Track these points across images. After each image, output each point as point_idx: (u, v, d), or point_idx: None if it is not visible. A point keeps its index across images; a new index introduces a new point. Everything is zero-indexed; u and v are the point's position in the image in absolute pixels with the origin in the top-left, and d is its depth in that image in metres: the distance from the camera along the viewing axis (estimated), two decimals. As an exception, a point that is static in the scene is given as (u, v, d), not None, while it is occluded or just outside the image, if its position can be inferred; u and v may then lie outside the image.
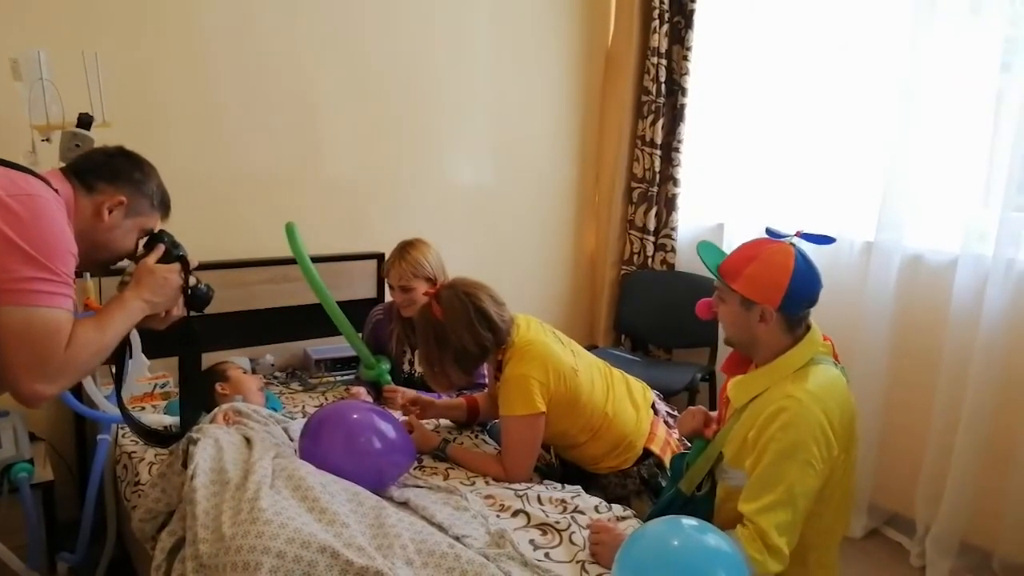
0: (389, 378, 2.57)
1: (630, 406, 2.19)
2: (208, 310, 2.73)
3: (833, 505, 1.65)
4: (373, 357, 2.62)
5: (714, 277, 1.72)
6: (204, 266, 2.69)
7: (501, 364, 2.11)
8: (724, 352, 2.33)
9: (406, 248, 2.50)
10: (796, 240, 1.66)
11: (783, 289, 1.60)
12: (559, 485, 1.99)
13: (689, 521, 1.48)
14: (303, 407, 2.56)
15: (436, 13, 3.15)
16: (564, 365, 2.06)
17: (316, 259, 2.94)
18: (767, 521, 1.54)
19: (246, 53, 2.75)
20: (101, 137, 2.09)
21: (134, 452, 2.20)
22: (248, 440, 1.88)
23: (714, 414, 1.90)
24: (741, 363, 1.78)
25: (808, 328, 1.69)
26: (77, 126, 2.07)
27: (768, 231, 1.70)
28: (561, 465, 2.30)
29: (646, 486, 2.14)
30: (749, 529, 1.56)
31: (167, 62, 2.61)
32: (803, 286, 1.63)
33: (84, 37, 2.39)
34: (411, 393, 2.44)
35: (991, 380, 2.46)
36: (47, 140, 2.12)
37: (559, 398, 2.05)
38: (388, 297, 2.82)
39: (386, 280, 2.57)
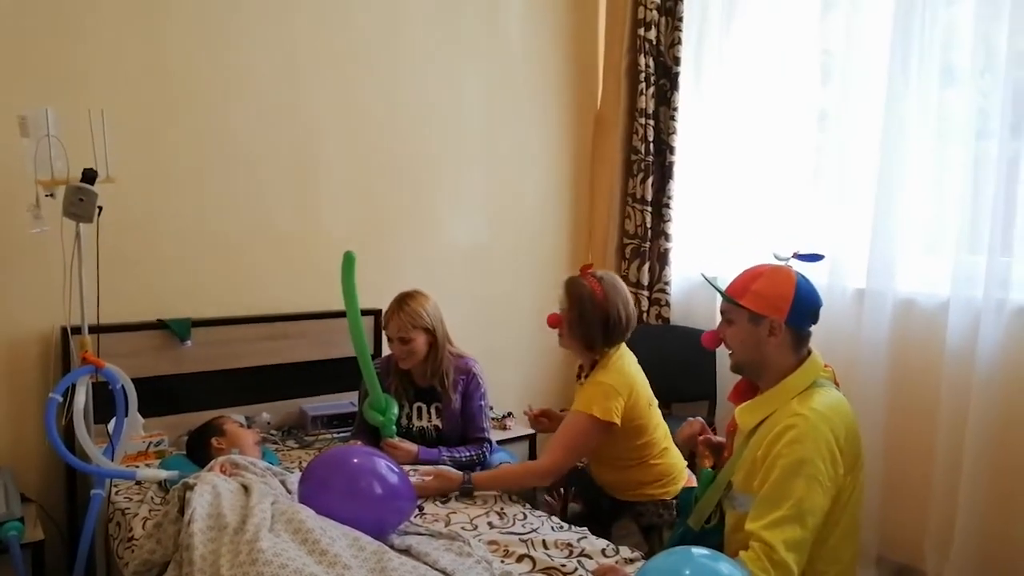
0: (394, 429, 2.51)
1: (678, 449, 2.38)
2: (204, 367, 2.76)
3: (841, 528, 1.64)
4: (383, 399, 2.52)
5: (723, 300, 1.79)
6: (201, 322, 2.72)
7: (595, 364, 2.29)
8: (724, 406, 2.36)
9: (405, 299, 2.52)
10: (793, 262, 1.76)
11: (789, 301, 1.68)
12: (565, 525, 1.95)
13: (700, 551, 1.45)
14: (299, 463, 2.52)
15: (432, 78, 3.26)
16: (643, 396, 2.27)
17: (314, 315, 2.97)
18: (774, 536, 1.53)
19: (248, 113, 2.83)
20: (105, 192, 2.13)
21: (127, 509, 2.15)
22: (246, 488, 1.85)
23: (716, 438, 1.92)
24: (747, 392, 1.80)
25: (810, 352, 1.73)
26: (82, 181, 2.11)
27: (774, 255, 1.79)
28: (586, 504, 2.36)
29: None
30: (754, 549, 1.54)
31: (170, 121, 2.68)
32: (807, 299, 1.71)
33: (90, 94, 2.46)
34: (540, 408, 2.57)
35: (990, 420, 2.46)
36: (51, 195, 2.15)
37: (628, 421, 2.21)
38: (384, 352, 2.82)
39: (384, 332, 2.56)
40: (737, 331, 1.75)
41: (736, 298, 1.73)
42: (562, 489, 2.58)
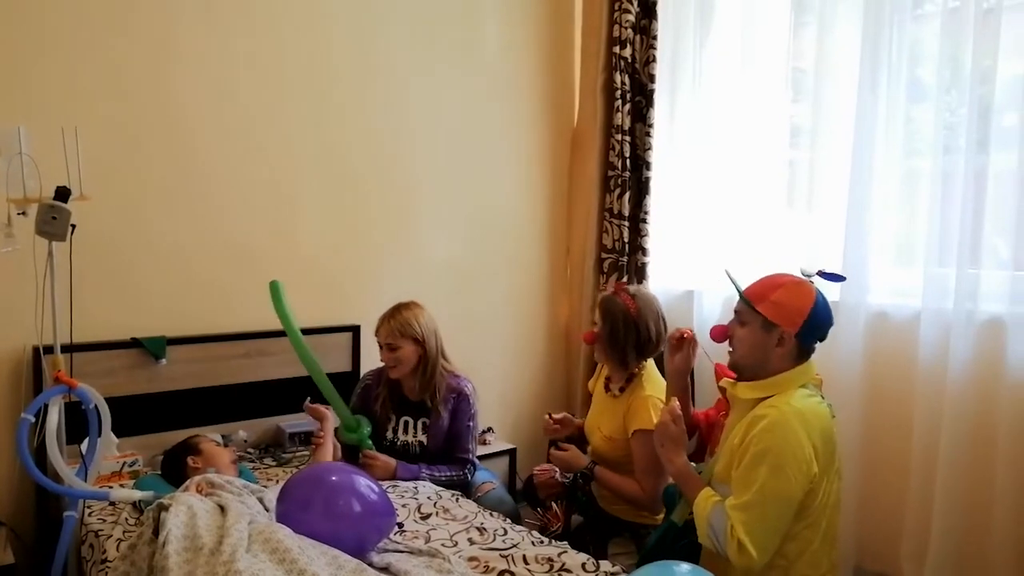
0: (371, 442, 2.51)
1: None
2: (180, 386, 2.73)
3: (821, 532, 1.69)
4: (353, 419, 2.55)
5: (740, 301, 1.85)
6: (176, 340, 2.69)
7: (631, 377, 2.35)
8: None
9: (399, 308, 2.55)
10: (816, 279, 1.83)
11: (805, 315, 1.75)
12: (546, 540, 1.96)
13: (683, 566, 1.47)
14: (277, 481, 2.49)
15: (409, 96, 3.28)
16: None
17: (290, 332, 2.94)
18: (736, 517, 1.64)
19: (224, 129, 2.82)
20: (79, 210, 2.10)
21: (101, 530, 2.12)
22: (222, 508, 1.83)
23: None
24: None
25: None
26: (54, 198, 2.08)
27: (801, 271, 1.87)
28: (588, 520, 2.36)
29: None
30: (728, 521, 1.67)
31: (145, 137, 2.66)
32: (821, 317, 1.78)
33: (64, 111, 2.44)
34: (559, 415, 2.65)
35: (963, 430, 2.48)
36: (23, 213, 2.12)
37: None
38: (364, 367, 2.81)
39: (376, 338, 2.56)
40: (747, 334, 1.81)
41: (754, 303, 1.79)
42: (556, 503, 2.58)
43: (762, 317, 1.78)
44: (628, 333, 2.30)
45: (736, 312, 1.87)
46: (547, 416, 2.62)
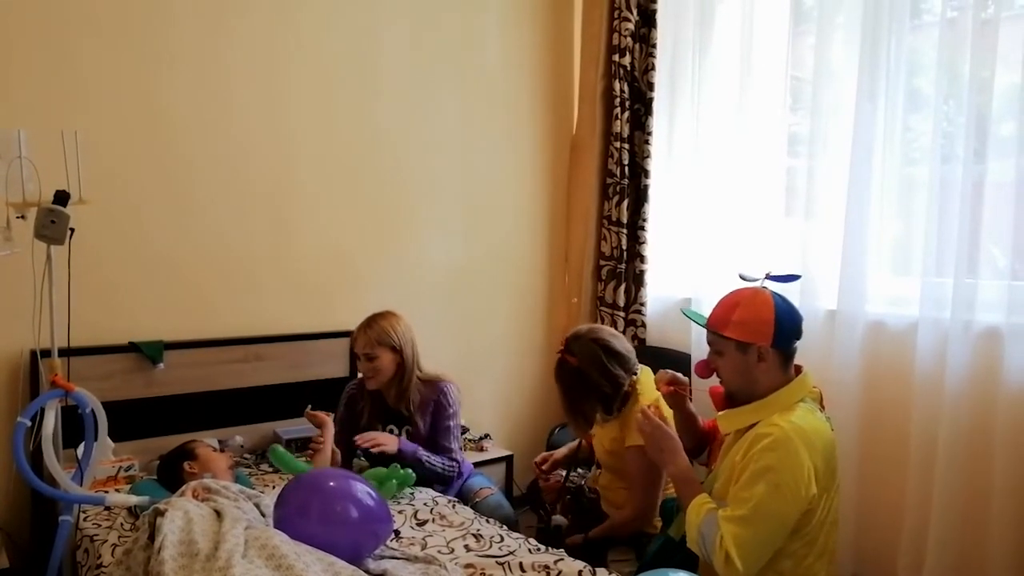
0: (414, 476, 2.40)
1: None
2: (176, 390, 2.73)
3: (817, 547, 1.68)
4: (384, 469, 2.40)
5: (707, 332, 1.83)
6: (173, 345, 2.69)
7: (627, 396, 2.27)
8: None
9: (375, 318, 2.56)
10: (767, 283, 1.76)
11: (771, 325, 1.72)
12: (542, 547, 1.95)
13: (677, 574, 1.47)
14: (273, 487, 2.48)
15: (410, 103, 3.28)
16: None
17: (287, 338, 2.94)
18: (726, 529, 1.62)
19: (222, 135, 2.82)
20: (77, 214, 2.11)
21: (96, 535, 2.11)
22: (218, 513, 1.82)
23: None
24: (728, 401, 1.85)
25: (799, 370, 1.76)
26: (54, 202, 2.08)
27: (740, 276, 1.79)
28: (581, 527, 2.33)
29: None
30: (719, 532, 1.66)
31: (144, 142, 2.66)
32: (788, 319, 1.75)
33: (64, 116, 2.45)
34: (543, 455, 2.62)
35: (959, 439, 2.48)
36: (22, 217, 2.12)
37: None
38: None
39: (352, 349, 2.57)
40: (727, 361, 1.79)
41: (719, 330, 1.77)
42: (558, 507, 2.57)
43: (733, 341, 1.76)
44: (583, 392, 2.22)
45: (709, 344, 1.85)
46: (543, 476, 2.59)
